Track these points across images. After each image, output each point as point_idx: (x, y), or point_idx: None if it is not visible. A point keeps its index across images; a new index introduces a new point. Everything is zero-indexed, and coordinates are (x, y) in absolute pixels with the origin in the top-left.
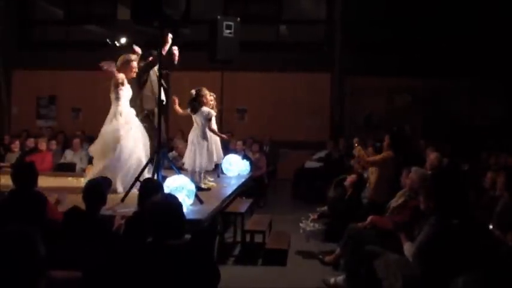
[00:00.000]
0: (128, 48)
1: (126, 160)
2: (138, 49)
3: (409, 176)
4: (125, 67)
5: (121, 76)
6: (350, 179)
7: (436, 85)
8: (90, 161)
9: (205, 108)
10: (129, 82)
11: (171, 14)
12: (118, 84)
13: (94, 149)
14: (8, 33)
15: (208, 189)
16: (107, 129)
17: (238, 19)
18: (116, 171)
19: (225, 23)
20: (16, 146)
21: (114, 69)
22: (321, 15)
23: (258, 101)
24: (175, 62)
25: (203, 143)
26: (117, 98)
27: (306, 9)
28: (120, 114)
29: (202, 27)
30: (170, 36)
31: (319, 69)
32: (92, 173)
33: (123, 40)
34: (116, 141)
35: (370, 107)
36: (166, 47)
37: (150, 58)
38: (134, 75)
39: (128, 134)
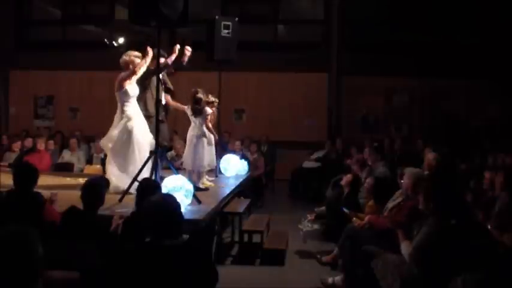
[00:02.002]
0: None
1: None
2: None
3: (403, 178)
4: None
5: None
6: (346, 178)
7: (434, 85)
8: (88, 161)
9: (207, 109)
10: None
11: (169, 14)
12: (124, 82)
13: (105, 143)
14: (6, 33)
15: (206, 189)
16: (116, 128)
17: (236, 19)
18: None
19: (223, 23)
20: (17, 145)
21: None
22: (318, 15)
23: (255, 101)
24: (184, 63)
25: (202, 142)
26: (125, 97)
27: (303, 9)
28: (128, 115)
29: (200, 27)
30: (178, 46)
31: (317, 69)
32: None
33: (121, 40)
34: (128, 137)
35: (367, 106)
36: (173, 57)
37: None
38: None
39: (138, 128)
